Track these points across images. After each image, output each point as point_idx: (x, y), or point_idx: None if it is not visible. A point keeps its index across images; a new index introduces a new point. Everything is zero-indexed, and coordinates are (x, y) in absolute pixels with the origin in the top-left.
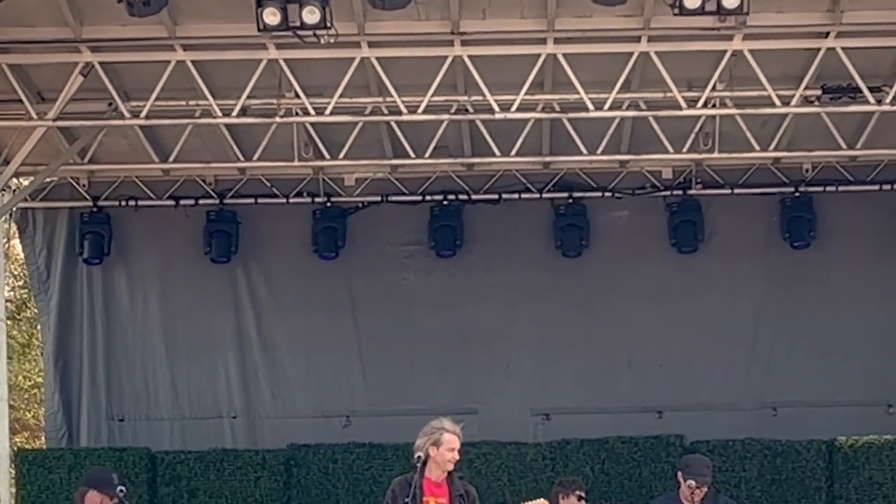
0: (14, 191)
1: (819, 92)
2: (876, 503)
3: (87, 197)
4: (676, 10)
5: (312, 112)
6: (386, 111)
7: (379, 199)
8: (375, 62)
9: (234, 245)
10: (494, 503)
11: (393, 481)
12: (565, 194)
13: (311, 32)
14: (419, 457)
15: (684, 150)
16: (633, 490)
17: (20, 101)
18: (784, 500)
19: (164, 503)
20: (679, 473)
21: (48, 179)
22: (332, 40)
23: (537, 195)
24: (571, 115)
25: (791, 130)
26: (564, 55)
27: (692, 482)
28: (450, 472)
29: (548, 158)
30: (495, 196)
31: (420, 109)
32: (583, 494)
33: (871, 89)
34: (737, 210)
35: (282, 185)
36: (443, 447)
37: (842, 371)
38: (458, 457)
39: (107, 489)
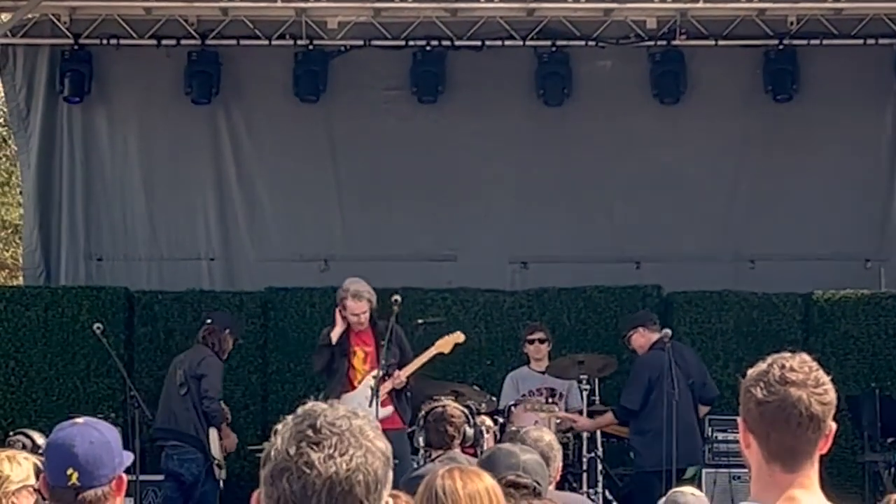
0: None
1: None
2: (850, 357)
3: (69, 34)
4: None
5: None
6: None
7: (361, 43)
8: None
9: (215, 86)
10: (470, 349)
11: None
12: (549, 42)
13: None
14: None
15: None
16: (609, 339)
17: None
18: (759, 351)
19: (141, 342)
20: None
21: (29, 16)
22: None
23: (520, 42)
24: None
25: None
26: None
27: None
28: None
29: (532, 5)
30: (478, 43)
31: None
32: (534, 337)
33: None
34: (720, 62)
35: (264, 27)
36: (347, 312)
37: (820, 225)
38: (363, 321)
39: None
